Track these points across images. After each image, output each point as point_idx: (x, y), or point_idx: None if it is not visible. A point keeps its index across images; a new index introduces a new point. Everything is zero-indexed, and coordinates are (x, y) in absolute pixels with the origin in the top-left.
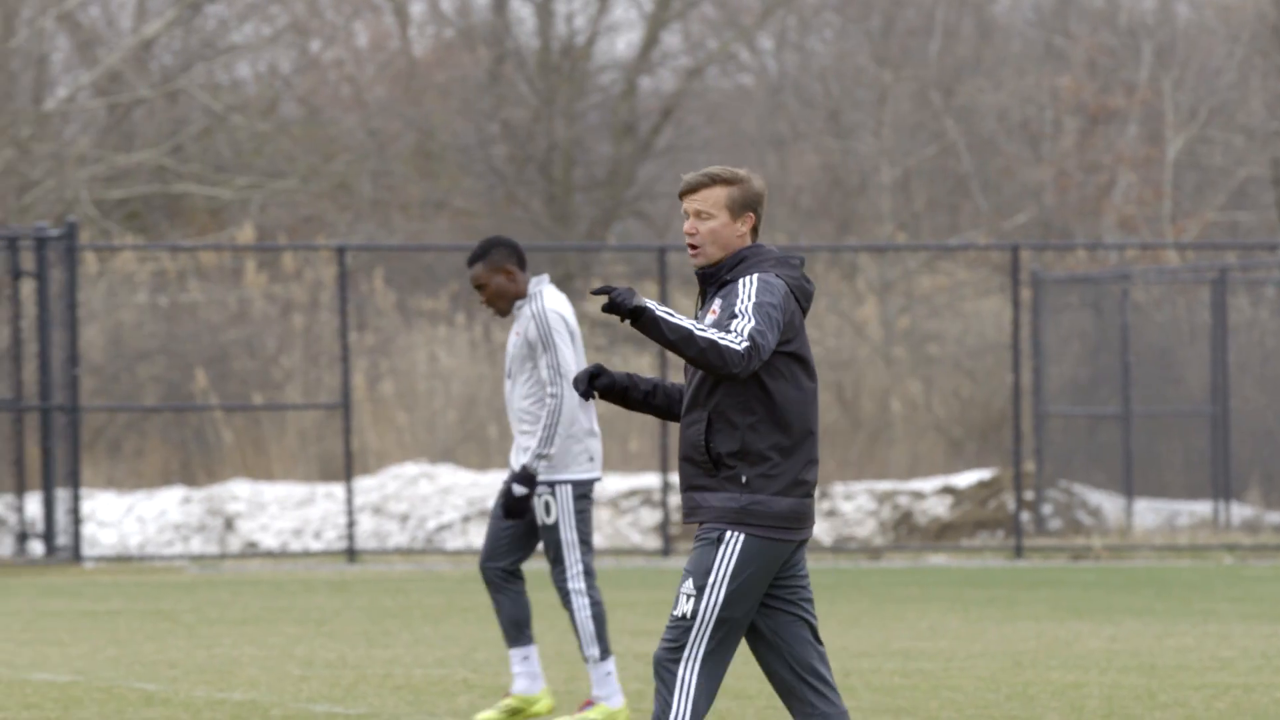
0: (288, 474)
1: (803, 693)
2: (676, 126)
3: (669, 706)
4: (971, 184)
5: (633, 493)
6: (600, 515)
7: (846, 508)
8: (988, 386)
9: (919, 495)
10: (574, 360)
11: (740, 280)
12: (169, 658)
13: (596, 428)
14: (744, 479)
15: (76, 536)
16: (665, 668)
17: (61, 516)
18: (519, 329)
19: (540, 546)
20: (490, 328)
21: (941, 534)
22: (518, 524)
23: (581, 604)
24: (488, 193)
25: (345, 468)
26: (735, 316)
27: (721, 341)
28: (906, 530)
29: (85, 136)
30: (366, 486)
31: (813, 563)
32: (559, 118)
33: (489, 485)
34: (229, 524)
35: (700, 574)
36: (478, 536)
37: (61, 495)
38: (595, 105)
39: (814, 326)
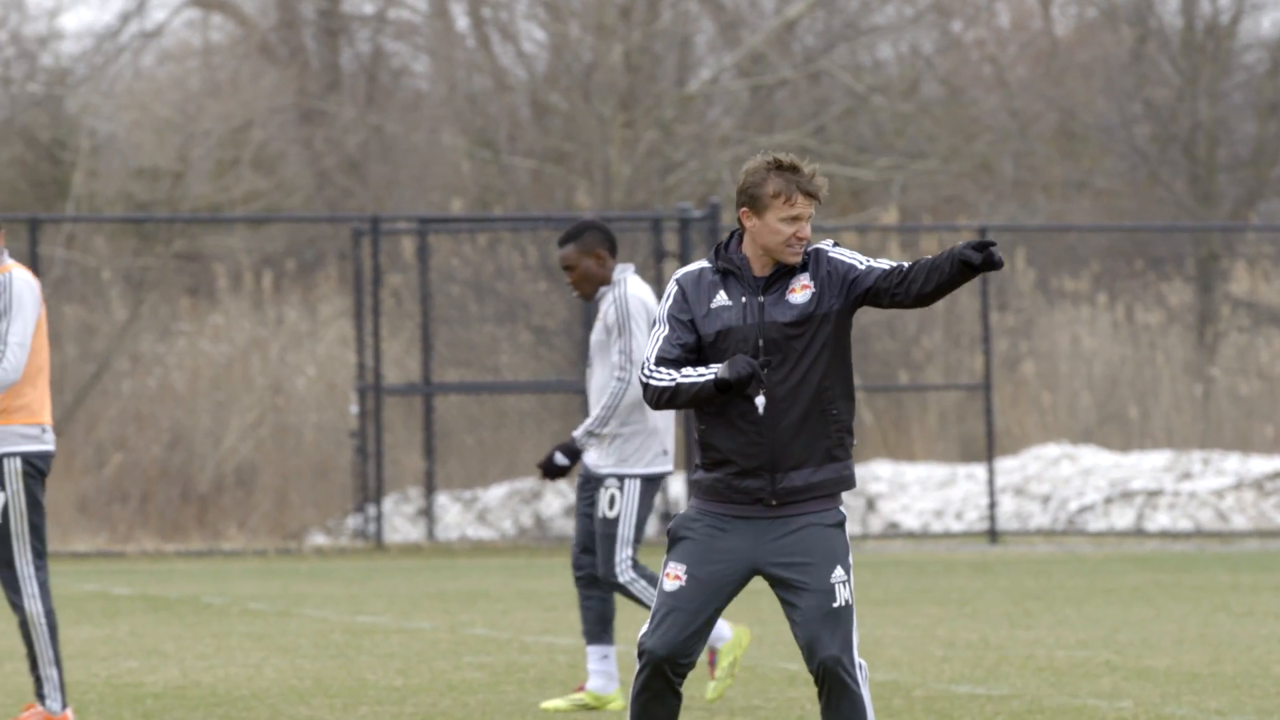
0: (929, 454)
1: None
2: None
3: (864, 701)
4: None
5: (1277, 474)
6: (1245, 497)
7: None
8: None
9: None
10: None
11: (835, 251)
12: None
13: (670, 422)
14: (852, 445)
15: None
16: (844, 668)
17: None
18: (601, 314)
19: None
20: (1133, 309)
21: None
22: None
23: (642, 586)
24: (1130, 173)
25: (987, 448)
26: (870, 259)
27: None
28: None
29: (728, 118)
30: (1008, 467)
31: None
32: (1203, 97)
33: (1131, 467)
34: (871, 504)
35: (844, 558)
36: (1120, 518)
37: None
38: (1240, 84)
39: None
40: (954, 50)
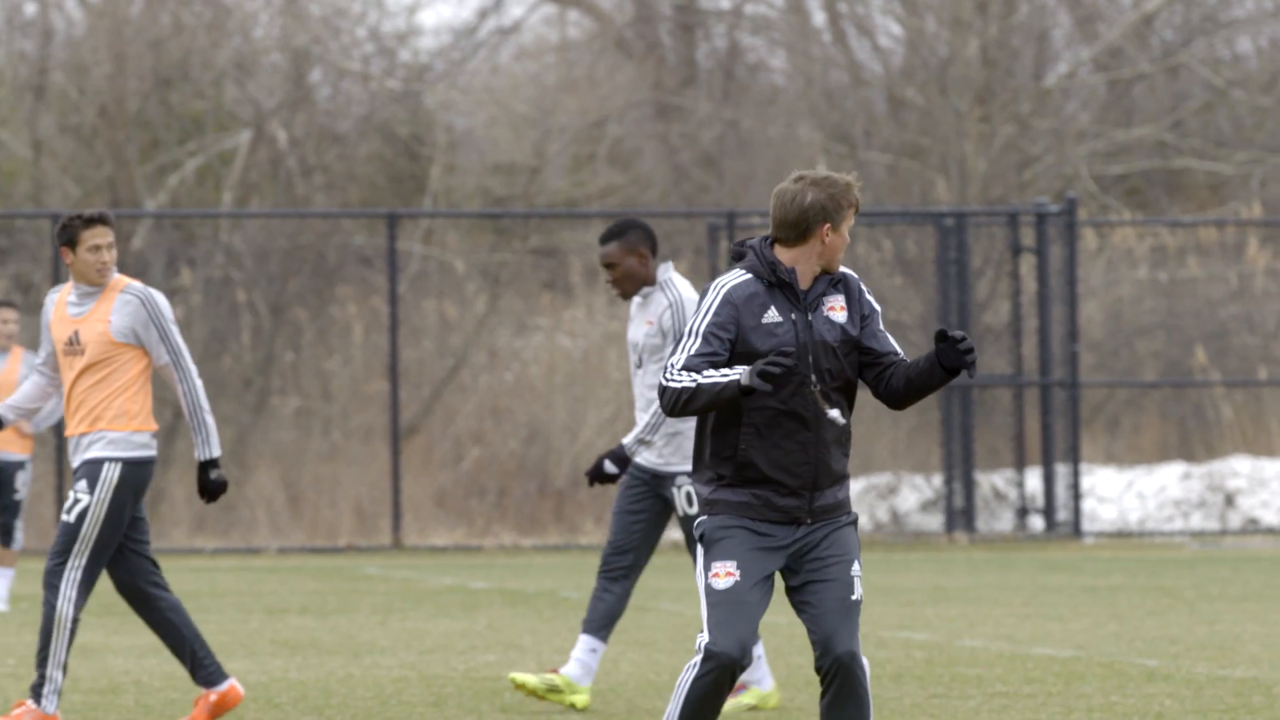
0: None
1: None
2: None
3: (869, 702)
4: None
5: None
6: None
7: None
8: None
9: None
10: None
11: (865, 288)
12: (1169, 634)
13: None
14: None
15: (1076, 512)
16: (859, 664)
17: (1061, 492)
18: (651, 317)
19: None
20: None
21: None
22: (647, 520)
23: None
24: None
25: None
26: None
27: None
28: None
29: (1085, 112)
30: None
31: None
32: None
33: None
34: (1229, 500)
35: (858, 555)
36: None
37: (1061, 471)
38: None
39: None
40: None
